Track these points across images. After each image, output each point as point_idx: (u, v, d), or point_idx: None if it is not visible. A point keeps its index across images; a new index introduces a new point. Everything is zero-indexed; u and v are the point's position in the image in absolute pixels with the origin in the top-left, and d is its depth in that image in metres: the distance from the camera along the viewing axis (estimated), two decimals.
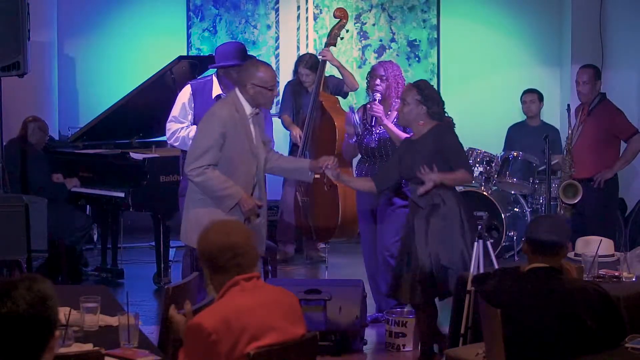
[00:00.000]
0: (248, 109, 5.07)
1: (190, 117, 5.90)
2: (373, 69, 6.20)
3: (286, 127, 7.89)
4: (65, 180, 7.22)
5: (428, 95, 5.23)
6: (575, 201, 6.62)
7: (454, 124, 5.50)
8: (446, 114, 5.46)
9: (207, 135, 5.02)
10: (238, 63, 5.78)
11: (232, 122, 5.02)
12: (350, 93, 7.80)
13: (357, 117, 6.08)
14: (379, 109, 5.87)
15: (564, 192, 6.66)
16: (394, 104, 5.96)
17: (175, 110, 5.92)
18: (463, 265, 5.11)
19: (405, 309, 5.89)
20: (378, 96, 5.95)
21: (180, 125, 5.90)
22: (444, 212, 5.17)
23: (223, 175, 5.01)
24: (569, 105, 6.94)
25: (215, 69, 5.99)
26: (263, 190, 5.25)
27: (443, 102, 5.37)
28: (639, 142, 6.72)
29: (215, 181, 5.00)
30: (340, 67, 6.73)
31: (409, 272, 5.17)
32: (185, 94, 5.94)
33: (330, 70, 7.57)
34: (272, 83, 5.09)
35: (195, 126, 5.82)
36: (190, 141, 5.76)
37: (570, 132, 6.79)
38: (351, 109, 6.31)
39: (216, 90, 5.90)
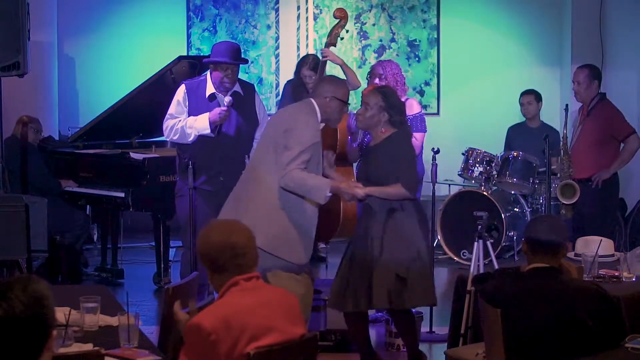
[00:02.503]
0: (318, 120, 5.05)
1: (185, 114, 5.91)
2: (372, 68, 6.21)
3: None
4: (62, 181, 7.23)
5: (392, 103, 5.06)
6: (573, 201, 6.61)
7: (411, 134, 5.39)
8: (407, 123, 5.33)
9: (304, 139, 4.88)
10: (228, 61, 5.84)
11: (318, 131, 5.01)
12: (350, 93, 7.79)
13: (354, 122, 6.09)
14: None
15: (561, 192, 6.66)
16: None
17: (172, 109, 5.95)
18: (421, 274, 4.94)
19: None
20: None
21: (175, 120, 5.92)
22: (401, 218, 4.98)
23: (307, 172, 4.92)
24: (567, 105, 6.94)
25: (210, 71, 6.02)
26: None
27: (405, 111, 5.22)
28: (635, 143, 6.71)
29: (304, 174, 4.86)
30: (342, 65, 6.73)
31: (359, 277, 4.95)
32: (179, 93, 5.97)
33: (330, 70, 7.57)
34: (347, 98, 5.10)
35: (191, 117, 5.85)
36: (189, 129, 5.81)
37: (564, 132, 6.79)
38: (351, 114, 6.31)
39: (209, 89, 5.92)
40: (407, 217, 4.98)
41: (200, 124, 5.80)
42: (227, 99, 5.80)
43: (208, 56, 6.31)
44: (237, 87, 5.99)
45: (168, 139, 6.17)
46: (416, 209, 5.05)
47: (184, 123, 5.86)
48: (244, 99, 5.97)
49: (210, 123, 5.77)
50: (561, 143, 6.77)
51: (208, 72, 6.01)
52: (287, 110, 5.28)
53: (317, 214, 5.05)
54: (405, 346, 5.30)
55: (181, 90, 5.98)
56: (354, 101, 8.27)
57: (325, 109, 5.02)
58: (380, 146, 5.08)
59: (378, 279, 4.88)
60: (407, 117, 6.03)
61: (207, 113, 5.80)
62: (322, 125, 5.07)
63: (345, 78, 6.78)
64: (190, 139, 5.86)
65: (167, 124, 5.95)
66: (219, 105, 5.90)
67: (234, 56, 5.92)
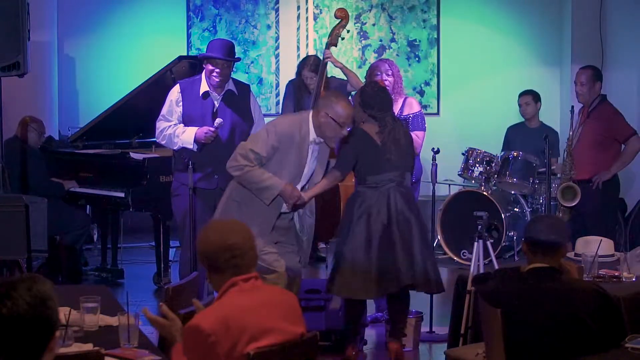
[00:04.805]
0: (312, 135, 5.10)
1: (177, 115, 5.93)
2: (376, 66, 6.21)
3: None
4: (65, 182, 7.23)
5: (366, 102, 5.32)
6: (574, 204, 6.61)
7: (394, 128, 5.43)
8: (401, 117, 5.60)
9: (260, 141, 5.08)
10: (220, 57, 5.84)
11: (289, 141, 5.07)
12: (350, 93, 7.80)
13: None
14: None
15: (562, 194, 6.66)
16: (397, 99, 6.01)
17: (164, 109, 5.97)
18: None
19: None
20: None
21: (167, 124, 5.93)
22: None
23: (264, 170, 5.07)
24: (572, 107, 6.91)
25: (204, 66, 6.04)
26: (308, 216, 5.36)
27: (385, 107, 5.36)
28: (636, 144, 6.71)
29: (255, 172, 5.05)
30: (343, 68, 6.73)
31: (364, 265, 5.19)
32: (173, 93, 5.98)
33: (330, 70, 7.56)
34: (344, 120, 5.06)
35: (182, 125, 5.88)
36: (176, 139, 5.86)
37: (570, 133, 6.77)
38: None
39: (204, 87, 5.94)
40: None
41: (186, 137, 5.86)
42: (218, 120, 5.82)
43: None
44: (231, 86, 5.99)
45: (157, 140, 6.18)
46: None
47: (173, 131, 5.89)
48: (239, 98, 5.97)
49: (195, 140, 5.80)
50: (567, 144, 6.76)
51: (204, 71, 6.02)
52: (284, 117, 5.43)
53: (271, 212, 5.18)
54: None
55: (175, 90, 5.99)
56: None
57: (319, 125, 5.07)
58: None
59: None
60: (407, 116, 6.06)
61: (195, 128, 5.82)
62: (320, 140, 5.14)
63: (347, 79, 6.80)
64: (176, 147, 5.92)
65: (159, 125, 5.97)
66: (213, 103, 5.91)
67: (226, 52, 5.92)
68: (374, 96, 5.35)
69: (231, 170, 5.11)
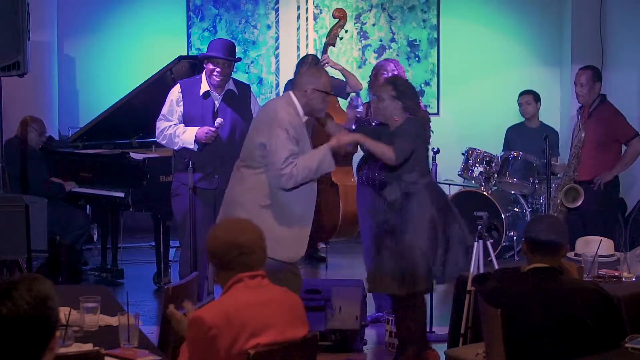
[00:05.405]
0: (301, 113, 5.02)
1: (177, 115, 5.93)
2: (382, 66, 6.21)
3: None
4: (66, 183, 7.24)
5: (402, 91, 5.22)
6: (576, 205, 6.62)
7: (429, 119, 5.44)
8: (426, 109, 5.43)
9: (281, 142, 4.86)
10: (221, 56, 5.85)
11: (298, 126, 4.96)
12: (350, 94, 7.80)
13: (359, 102, 6.13)
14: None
15: (565, 195, 6.66)
16: None
17: (165, 109, 5.98)
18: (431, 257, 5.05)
19: None
20: None
21: (167, 124, 5.93)
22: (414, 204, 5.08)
23: (302, 157, 4.91)
24: (580, 107, 6.89)
25: (204, 67, 6.04)
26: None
27: (418, 96, 5.36)
28: (639, 145, 6.70)
29: (299, 167, 4.87)
30: (342, 70, 6.74)
31: (390, 263, 5.06)
32: (174, 93, 5.99)
33: (330, 73, 7.57)
34: (329, 88, 5.06)
35: (182, 125, 5.87)
36: (177, 139, 5.86)
37: (583, 135, 6.71)
38: (357, 93, 6.32)
39: (204, 87, 5.94)
40: (419, 202, 5.08)
41: (187, 137, 5.85)
42: (219, 120, 5.82)
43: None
44: (231, 86, 5.99)
45: (157, 140, 6.19)
46: (428, 191, 5.13)
47: (173, 131, 5.89)
48: (239, 98, 5.97)
49: (196, 140, 5.80)
50: (574, 146, 6.73)
51: (204, 71, 6.03)
52: (266, 108, 5.17)
53: (312, 208, 5.07)
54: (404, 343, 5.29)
55: (176, 90, 6.00)
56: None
57: (306, 102, 4.99)
58: (395, 132, 5.19)
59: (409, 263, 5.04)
60: None
61: (196, 128, 5.81)
62: (306, 118, 5.04)
63: (346, 80, 6.80)
64: (177, 147, 5.92)
65: (159, 125, 5.98)
66: (213, 103, 5.92)
67: (227, 52, 5.93)
68: (409, 86, 5.34)
69: (289, 184, 4.87)
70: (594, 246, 4.78)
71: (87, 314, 3.60)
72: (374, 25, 9.59)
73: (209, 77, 5.91)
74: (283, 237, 4.88)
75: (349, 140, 5.16)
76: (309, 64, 7.50)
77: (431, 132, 5.40)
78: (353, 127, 6.19)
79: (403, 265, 4.99)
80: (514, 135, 8.17)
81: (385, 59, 6.54)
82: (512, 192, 8.04)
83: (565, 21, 9.41)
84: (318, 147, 5.05)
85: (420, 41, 9.60)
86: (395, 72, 6.12)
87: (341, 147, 5.11)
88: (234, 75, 6.13)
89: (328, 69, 6.87)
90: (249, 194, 4.95)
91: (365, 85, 7.15)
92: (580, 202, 6.60)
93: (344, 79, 6.84)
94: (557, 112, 9.34)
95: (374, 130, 5.42)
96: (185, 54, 9.08)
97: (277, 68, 9.57)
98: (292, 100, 5.00)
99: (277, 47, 9.60)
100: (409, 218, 5.03)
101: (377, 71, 6.24)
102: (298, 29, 9.61)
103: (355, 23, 9.48)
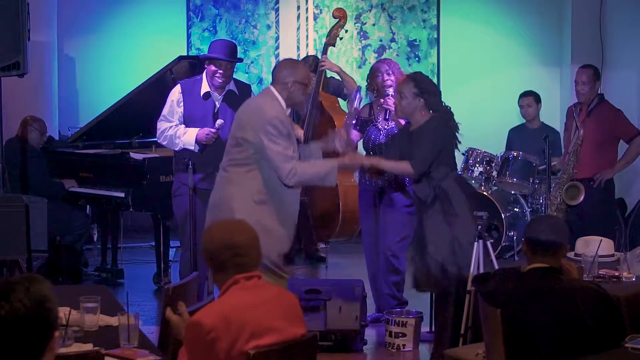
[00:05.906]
0: (284, 107, 5.00)
1: (177, 115, 5.94)
2: (376, 68, 6.20)
3: None
4: (64, 181, 7.23)
5: (424, 88, 5.24)
6: (577, 203, 6.62)
7: (452, 113, 5.45)
8: (444, 103, 5.42)
9: (279, 138, 4.86)
10: (223, 58, 5.86)
11: (287, 121, 4.97)
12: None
13: (358, 99, 6.14)
14: (393, 102, 5.87)
15: (565, 193, 6.66)
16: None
17: (165, 109, 5.99)
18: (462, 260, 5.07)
19: (405, 309, 5.90)
20: (391, 91, 5.97)
21: (168, 125, 5.94)
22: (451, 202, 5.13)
23: (308, 163, 4.98)
24: (580, 104, 6.89)
25: (205, 66, 6.04)
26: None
27: (439, 92, 5.38)
28: None
29: (304, 168, 4.91)
30: (339, 72, 6.73)
31: (430, 262, 5.10)
32: (174, 93, 6.00)
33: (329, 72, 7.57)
34: (308, 79, 5.09)
35: (183, 125, 5.88)
36: (178, 140, 5.87)
37: (581, 132, 6.73)
38: (359, 88, 6.32)
39: (205, 87, 5.94)
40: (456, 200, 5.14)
41: (188, 138, 5.85)
42: (219, 121, 5.82)
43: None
44: (232, 86, 6.00)
45: (158, 141, 6.19)
46: (461, 188, 5.21)
47: (174, 132, 5.90)
48: (240, 98, 5.97)
49: (197, 141, 5.80)
50: (574, 143, 6.73)
51: (205, 71, 6.03)
52: (250, 106, 5.11)
53: (298, 200, 5.09)
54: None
55: (176, 91, 6.01)
56: None
57: (288, 95, 4.98)
58: (419, 131, 5.23)
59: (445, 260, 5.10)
60: None
61: (197, 129, 5.82)
62: (288, 111, 5.04)
63: (342, 81, 6.80)
64: (177, 148, 5.92)
65: (160, 126, 5.99)
66: (214, 104, 5.92)
67: (229, 54, 5.93)
68: (430, 82, 5.36)
69: (291, 181, 4.87)
70: (594, 246, 4.78)
71: (87, 314, 3.60)
72: (374, 25, 9.59)
73: (210, 78, 5.90)
74: (275, 231, 4.88)
75: (364, 164, 5.23)
76: (309, 65, 7.51)
77: (457, 124, 5.38)
78: (353, 124, 6.20)
79: (454, 260, 5.05)
80: (516, 137, 8.17)
81: (380, 60, 6.53)
82: (512, 192, 8.05)
83: (565, 21, 9.40)
84: (327, 151, 5.10)
85: (420, 41, 9.60)
86: (390, 73, 6.10)
87: (352, 168, 5.15)
88: (234, 75, 6.12)
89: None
90: (240, 192, 4.93)
91: (363, 86, 7.14)
92: (580, 200, 6.60)
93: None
94: (557, 112, 9.33)
95: (407, 133, 5.42)
96: (185, 54, 9.08)
97: None
98: (275, 95, 4.99)
99: (277, 47, 9.60)
100: (452, 212, 5.09)
101: (372, 74, 6.24)
102: (298, 29, 9.61)
103: (355, 23, 9.48)
